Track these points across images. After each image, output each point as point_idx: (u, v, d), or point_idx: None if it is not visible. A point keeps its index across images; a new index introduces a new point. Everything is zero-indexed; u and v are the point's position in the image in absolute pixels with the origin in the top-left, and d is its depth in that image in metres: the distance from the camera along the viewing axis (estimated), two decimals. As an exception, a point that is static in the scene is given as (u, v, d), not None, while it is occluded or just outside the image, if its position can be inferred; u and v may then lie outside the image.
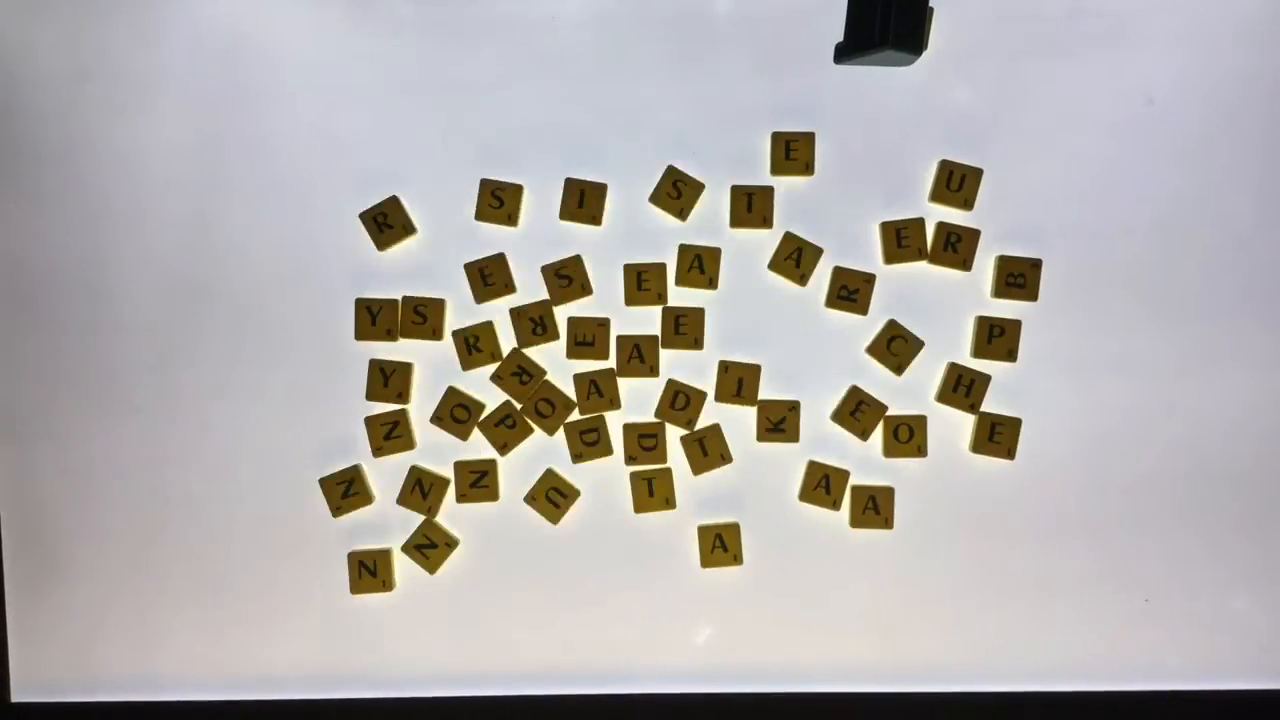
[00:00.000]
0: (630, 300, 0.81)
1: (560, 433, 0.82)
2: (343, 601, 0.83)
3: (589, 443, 0.81)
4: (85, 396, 0.82)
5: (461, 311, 0.82)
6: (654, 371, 0.81)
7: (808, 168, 0.79)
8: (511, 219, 0.80)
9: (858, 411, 0.81)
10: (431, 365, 0.82)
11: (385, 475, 0.83)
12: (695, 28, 0.79)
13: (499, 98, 0.80)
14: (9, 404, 0.83)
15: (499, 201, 0.80)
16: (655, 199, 0.80)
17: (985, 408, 0.81)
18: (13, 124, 0.80)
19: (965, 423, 0.81)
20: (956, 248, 0.80)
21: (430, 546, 0.82)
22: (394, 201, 0.80)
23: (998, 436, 0.81)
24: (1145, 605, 0.83)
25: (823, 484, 0.81)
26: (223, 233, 0.81)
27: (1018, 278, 0.80)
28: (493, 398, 0.82)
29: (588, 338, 0.81)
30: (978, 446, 0.81)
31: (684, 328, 0.81)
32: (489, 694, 0.84)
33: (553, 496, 0.81)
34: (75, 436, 0.83)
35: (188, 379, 0.82)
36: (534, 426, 0.82)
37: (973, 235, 0.80)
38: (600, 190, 0.80)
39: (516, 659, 0.84)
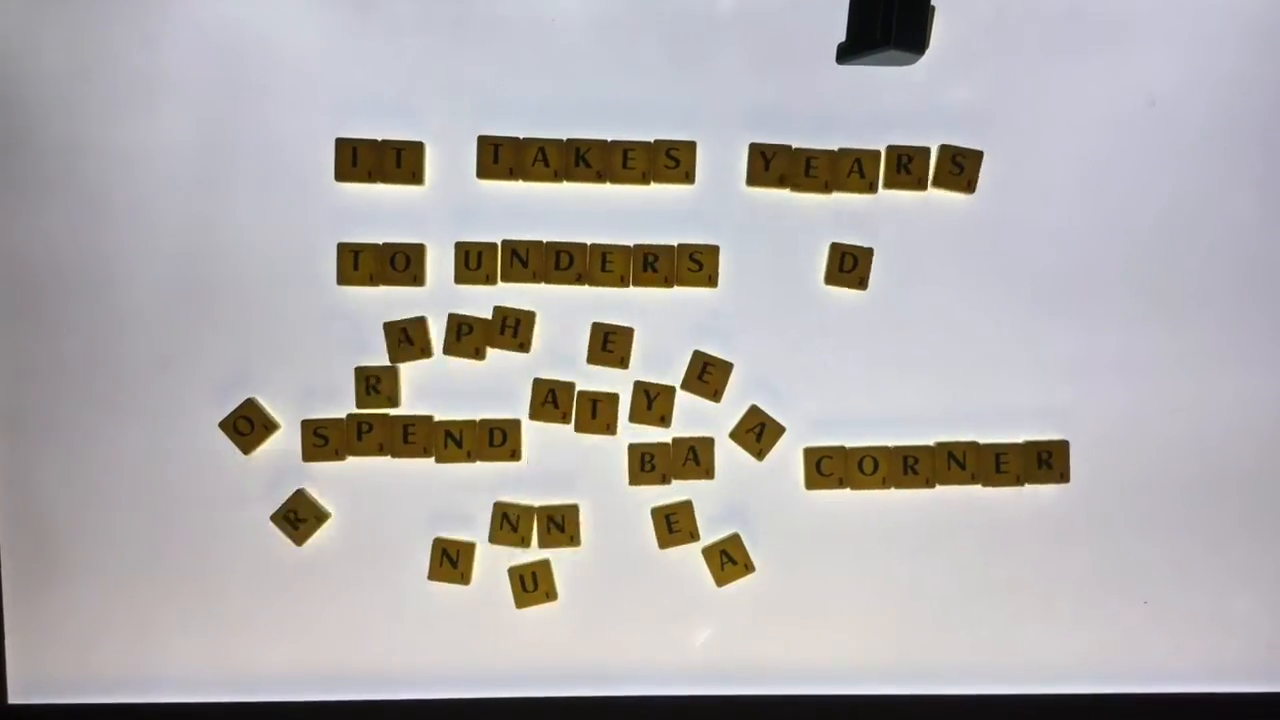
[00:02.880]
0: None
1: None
2: (344, 602, 0.83)
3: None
4: (87, 395, 0.82)
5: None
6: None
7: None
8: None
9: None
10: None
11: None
12: (696, 27, 0.78)
13: (501, 97, 0.79)
14: (10, 402, 0.83)
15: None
16: None
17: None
18: (16, 122, 0.80)
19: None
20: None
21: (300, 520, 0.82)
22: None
23: (1053, 461, 0.81)
24: (1145, 607, 0.83)
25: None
26: (226, 232, 0.81)
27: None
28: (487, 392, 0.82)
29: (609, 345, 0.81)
30: (1029, 477, 0.81)
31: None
32: (493, 696, 0.84)
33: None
34: (76, 435, 0.83)
35: (190, 378, 0.82)
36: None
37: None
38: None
39: (522, 660, 0.84)
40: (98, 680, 0.85)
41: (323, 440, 0.81)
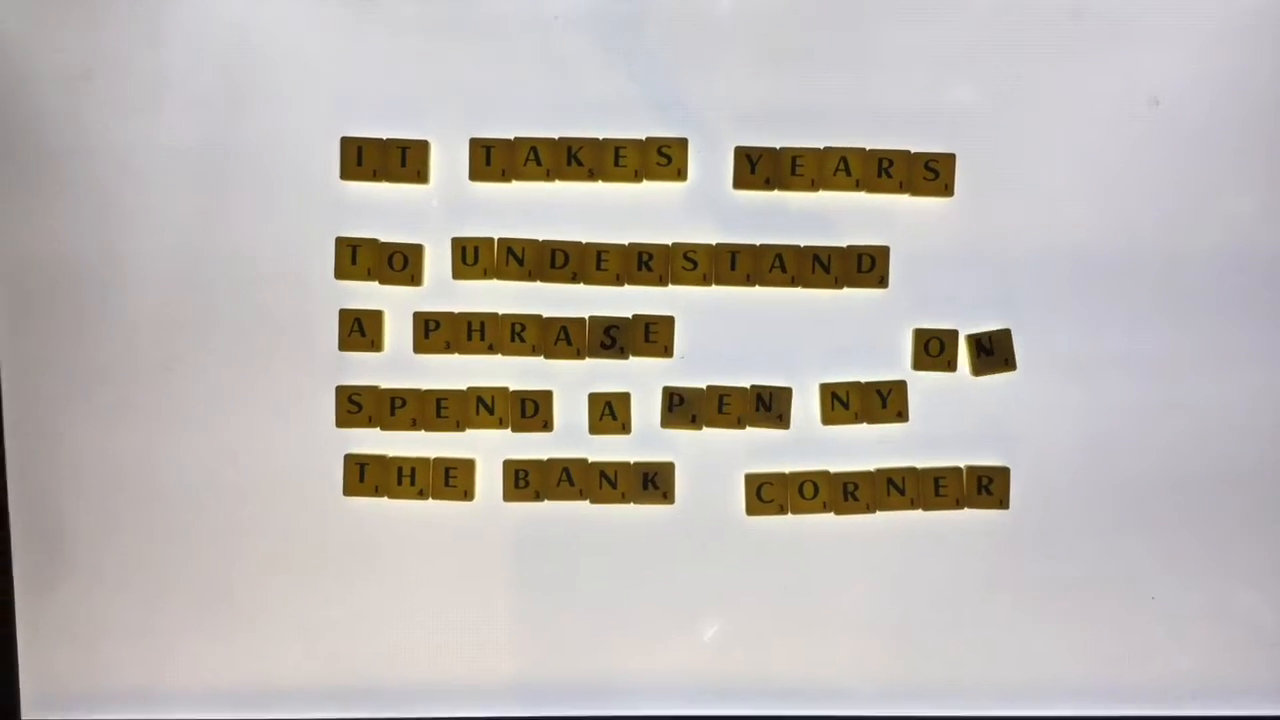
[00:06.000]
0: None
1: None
2: (354, 607, 0.84)
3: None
4: (91, 397, 0.83)
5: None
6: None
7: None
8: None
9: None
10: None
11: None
12: (697, 28, 0.79)
13: (503, 98, 0.80)
14: (16, 404, 0.83)
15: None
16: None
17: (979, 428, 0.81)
18: (17, 122, 0.81)
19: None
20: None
21: None
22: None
23: (991, 488, 0.81)
24: (1151, 603, 0.82)
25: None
26: (228, 233, 0.81)
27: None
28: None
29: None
30: (970, 501, 0.81)
31: (654, 335, 0.81)
32: (510, 714, 0.85)
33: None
34: (82, 438, 0.83)
35: (197, 379, 0.82)
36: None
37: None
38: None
39: (532, 673, 0.84)
40: (113, 694, 0.85)
41: (356, 407, 0.82)
